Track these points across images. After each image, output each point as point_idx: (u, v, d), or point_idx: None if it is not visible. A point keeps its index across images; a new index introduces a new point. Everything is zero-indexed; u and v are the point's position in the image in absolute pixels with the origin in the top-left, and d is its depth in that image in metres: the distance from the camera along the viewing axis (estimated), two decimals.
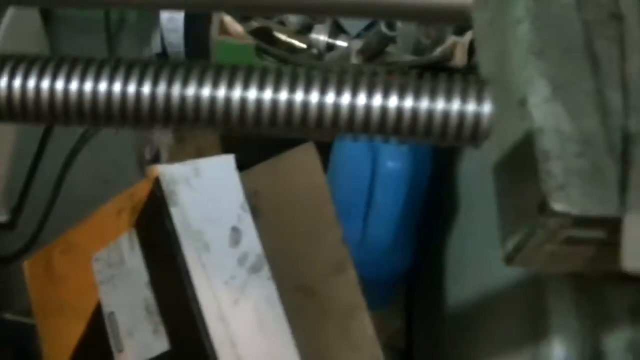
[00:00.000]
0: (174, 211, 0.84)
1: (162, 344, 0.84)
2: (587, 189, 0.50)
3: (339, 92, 0.45)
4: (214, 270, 0.84)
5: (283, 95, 0.46)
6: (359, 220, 0.91)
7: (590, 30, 0.55)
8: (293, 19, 1.05)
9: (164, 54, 1.06)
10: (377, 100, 0.44)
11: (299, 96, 0.45)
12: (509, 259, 0.54)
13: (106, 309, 0.88)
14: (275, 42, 1.05)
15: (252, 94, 0.46)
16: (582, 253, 0.53)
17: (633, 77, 0.54)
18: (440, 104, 0.44)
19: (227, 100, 0.47)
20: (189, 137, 0.98)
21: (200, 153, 0.89)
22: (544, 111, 0.52)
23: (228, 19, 0.96)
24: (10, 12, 1.02)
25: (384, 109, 0.44)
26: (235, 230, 0.86)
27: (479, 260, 0.81)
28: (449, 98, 0.44)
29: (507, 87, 0.55)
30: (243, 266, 0.86)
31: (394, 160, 0.87)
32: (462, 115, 0.45)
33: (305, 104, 0.45)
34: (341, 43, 1.03)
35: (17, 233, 1.07)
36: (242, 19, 0.99)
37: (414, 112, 0.44)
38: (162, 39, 1.04)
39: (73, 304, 0.92)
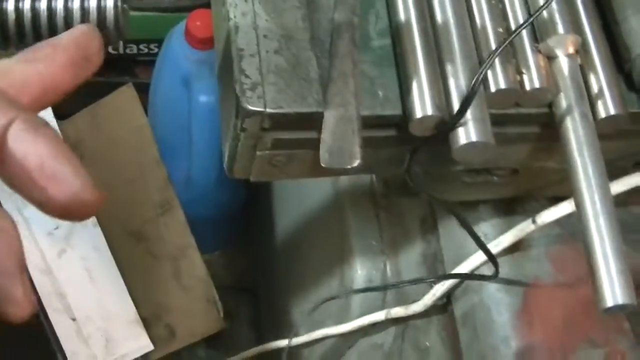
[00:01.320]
0: None
1: None
2: (285, 86, 0.49)
3: None
4: (36, 222, 0.83)
5: None
6: (183, 159, 0.90)
7: None
8: None
9: None
10: None
11: None
12: (230, 170, 0.53)
13: None
14: None
15: None
16: (301, 157, 0.51)
17: None
18: (59, 2, 0.44)
19: None
20: None
21: None
22: (241, 9, 0.50)
23: None
24: None
25: (2, 11, 0.43)
26: None
27: (299, 187, 0.80)
28: None
29: None
30: None
31: (206, 94, 0.85)
32: (85, 10, 0.44)
33: None
34: None
35: None
36: None
37: (34, 11, 0.43)
38: None
39: None
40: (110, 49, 0.95)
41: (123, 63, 1.00)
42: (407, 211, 0.69)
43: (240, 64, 0.48)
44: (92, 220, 0.84)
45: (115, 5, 0.44)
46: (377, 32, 0.52)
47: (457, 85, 0.49)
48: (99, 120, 0.89)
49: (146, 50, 0.98)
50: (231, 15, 0.50)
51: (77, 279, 0.84)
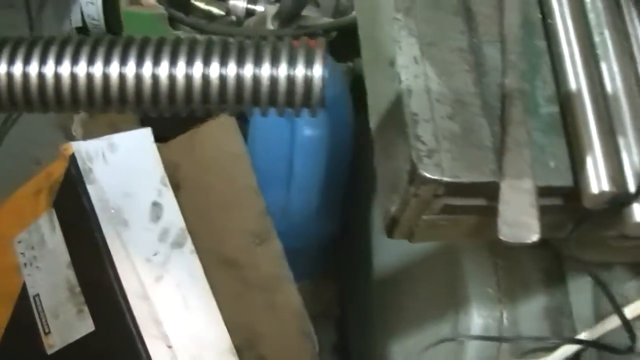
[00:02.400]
0: (91, 189, 0.82)
1: (87, 325, 0.82)
2: (460, 153, 0.48)
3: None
4: (134, 247, 0.83)
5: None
6: (281, 190, 0.90)
7: None
8: None
9: (84, 28, 1.03)
10: (197, 69, 0.42)
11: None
12: (389, 232, 0.52)
13: (31, 291, 0.87)
14: (193, 10, 1.02)
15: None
16: (464, 221, 0.51)
17: (511, 32, 0.51)
18: (266, 70, 0.42)
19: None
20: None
21: (117, 127, 0.87)
22: (413, 72, 0.50)
23: None
24: None
25: (205, 78, 0.42)
26: (156, 205, 0.85)
27: None
28: (275, 63, 0.42)
29: (378, 47, 0.52)
30: (165, 242, 0.84)
31: (311, 127, 0.85)
32: (290, 80, 0.42)
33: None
34: (260, 8, 1.00)
35: None
36: None
37: (239, 79, 0.42)
38: (82, 12, 1.01)
39: None
40: None
41: None
42: (528, 261, 0.68)
43: (416, 129, 0.48)
44: (190, 247, 0.84)
45: (322, 77, 0.43)
46: (545, 99, 0.52)
47: (630, 159, 0.49)
48: (197, 145, 0.89)
49: None
50: (403, 78, 0.49)
51: (173, 305, 0.83)
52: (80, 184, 0.82)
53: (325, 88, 0.42)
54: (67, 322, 0.84)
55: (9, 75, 0.45)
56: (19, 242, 0.88)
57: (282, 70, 0.43)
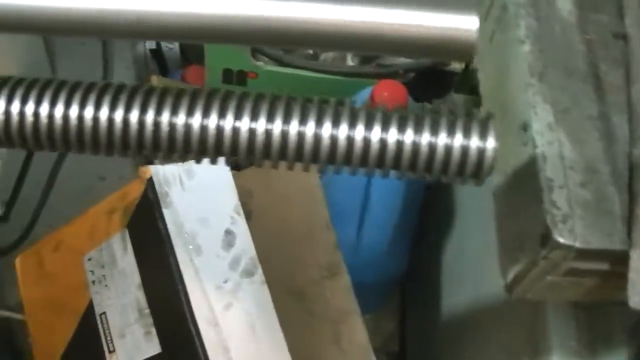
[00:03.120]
0: (167, 213, 0.83)
1: (153, 347, 0.83)
2: (591, 220, 0.49)
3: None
4: (206, 273, 0.83)
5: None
6: (354, 225, 0.91)
7: (593, 51, 0.54)
8: None
9: (158, 50, 1.05)
10: (376, 134, 0.43)
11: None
12: (510, 289, 0.53)
13: (98, 309, 0.88)
14: None
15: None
16: (585, 283, 0.52)
17: (639, 103, 0.52)
18: (442, 139, 0.42)
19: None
20: None
21: None
22: (547, 137, 0.51)
23: None
24: None
25: (383, 142, 0.43)
26: (228, 233, 0.85)
27: (475, 270, 0.81)
28: (451, 132, 0.42)
29: (508, 109, 0.53)
30: (236, 270, 0.85)
31: None
32: (464, 151, 0.42)
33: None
34: None
35: (9, 226, 1.06)
36: None
37: (415, 146, 0.42)
38: None
39: (63, 302, 0.91)
40: None
41: None
42: (612, 315, 0.69)
43: (551, 195, 0.49)
44: (260, 277, 0.85)
45: (495, 149, 0.42)
46: None
47: None
48: (270, 175, 0.90)
49: None
50: (538, 143, 0.50)
51: (241, 334, 0.84)
52: (156, 207, 0.82)
53: (496, 160, 0.42)
54: (134, 342, 0.84)
55: (95, 120, 0.47)
56: (89, 259, 0.89)
57: (457, 141, 0.42)
